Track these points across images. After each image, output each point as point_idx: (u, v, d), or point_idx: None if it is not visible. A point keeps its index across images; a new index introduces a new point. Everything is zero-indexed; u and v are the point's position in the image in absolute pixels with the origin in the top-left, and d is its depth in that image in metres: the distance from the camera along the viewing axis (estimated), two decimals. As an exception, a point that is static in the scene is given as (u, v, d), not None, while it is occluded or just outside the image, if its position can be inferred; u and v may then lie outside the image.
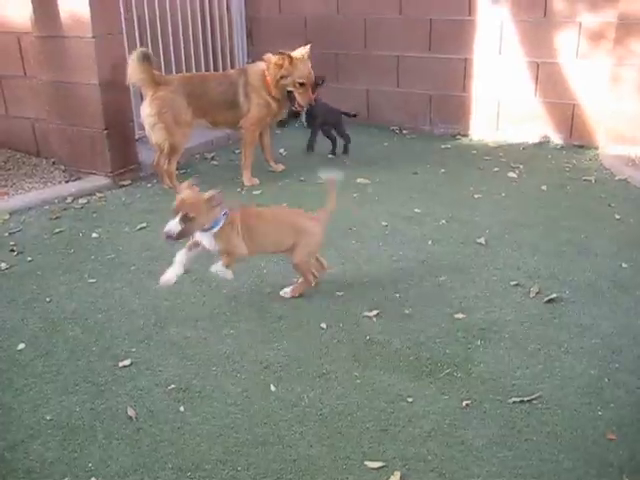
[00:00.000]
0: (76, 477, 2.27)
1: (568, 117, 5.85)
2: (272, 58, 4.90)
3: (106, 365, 2.87)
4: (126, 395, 2.67)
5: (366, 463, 2.28)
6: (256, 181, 5.05)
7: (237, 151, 5.77)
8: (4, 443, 2.43)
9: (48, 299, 3.41)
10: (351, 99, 6.66)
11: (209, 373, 2.78)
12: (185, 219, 2.91)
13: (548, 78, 5.81)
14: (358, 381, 2.70)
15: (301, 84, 4.89)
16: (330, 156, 5.62)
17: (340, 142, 5.68)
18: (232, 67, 6.80)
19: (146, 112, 4.79)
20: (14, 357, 2.94)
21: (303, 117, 5.47)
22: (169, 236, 2.93)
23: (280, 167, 5.36)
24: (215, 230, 3.07)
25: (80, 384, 2.75)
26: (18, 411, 2.60)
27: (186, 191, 3.03)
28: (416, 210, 4.45)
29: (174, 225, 2.91)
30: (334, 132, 5.66)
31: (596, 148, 5.72)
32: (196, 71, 6.29)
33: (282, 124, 5.64)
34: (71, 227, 4.32)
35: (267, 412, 2.54)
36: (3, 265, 3.77)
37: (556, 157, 5.61)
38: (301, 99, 4.95)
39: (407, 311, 3.21)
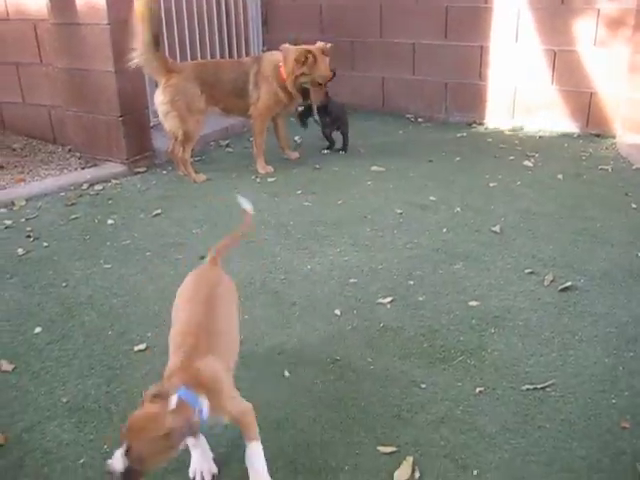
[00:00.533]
0: (92, 458, 2.30)
1: (585, 105, 5.80)
2: (290, 50, 4.87)
3: (121, 349, 2.90)
4: (141, 379, 2.69)
5: (379, 448, 2.29)
6: (270, 169, 5.05)
7: (252, 139, 5.77)
8: (22, 424, 2.46)
9: (64, 284, 3.44)
10: (366, 87, 6.65)
11: (223, 358, 2.80)
12: (132, 455, 1.80)
13: (565, 66, 5.76)
14: (372, 367, 2.71)
15: (319, 83, 4.89)
16: (325, 151, 5.52)
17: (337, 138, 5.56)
18: (247, 54, 6.81)
19: (159, 100, 4.80)
20: (31, 341, 2.98)
21: (315, 114, 5.33)
22: (109, 473, 1.83)
23: (295, 155, 5.35)
24: (206, 417, 1.95)
25: (96, 367, 2.78)
26: (35, 394, 2.63)
27: (147, 406, 1.86)
28: (431, 198, 4.44)
29: (117, 460, 1.81)
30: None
31: (613, 137, 5.67)
32: (211, 58, 6.29)
33: (302, 122, 5.45)
34: (87, 213, 4.35)
35: (281, 397, 2.56)
36: (20, 251, 3.80)
37: (572, 146, 5.57)
38: (315, 97, 4.97)
39: (421, 298, 3.21)
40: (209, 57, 6.30)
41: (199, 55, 6.17)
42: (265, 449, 2.29)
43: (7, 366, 2.79)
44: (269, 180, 4.87)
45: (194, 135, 4.92)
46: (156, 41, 4.57)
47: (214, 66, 5.13)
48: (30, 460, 2.30)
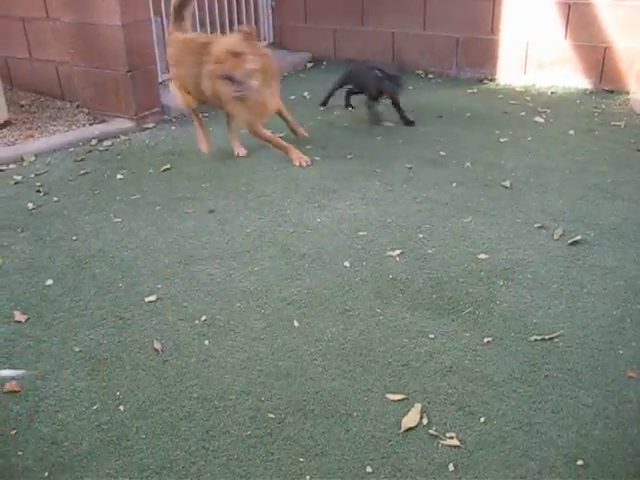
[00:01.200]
0: (105, 404, 2.34)
1: (599, 61, 5.70)
2: None
3: (132, 300, 2.92)
4: (152, 329, 2.73)
5: (387, 396, 2.32)
6: (307, 160, 4.29)
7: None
8: (36, 372, 2.51)
9: (75, 237, 3.46)
10: (376, 42, 6.56)
11: (233, 309, 2.83)
12: None
13: (579, 20, 5.65)
14: (380, 318, 2.73)
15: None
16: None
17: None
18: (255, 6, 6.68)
19: None
20: (43, 292, 3.01)
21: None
22: None
23: (305, 133, 4.78)
24: None
25: (107, 318, 2.81)
26: (48, 343, 2.67)
27: None
28: (441, 153, 4.41)
29: None
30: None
31: (627, 93, 5.58)
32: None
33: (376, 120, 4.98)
34: (96, 169, 4.35)
35: (290, 346, 2.59)
36: (30, 205, 3.82)
37: (585, 102, 5.49)
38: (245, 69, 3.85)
39: (430, 251, 3.21)
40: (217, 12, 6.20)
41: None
42: (275, 396, 2.34)
43: (20, 317, 2.83)
44: (280, 135, 4.82)
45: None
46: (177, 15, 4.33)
47: (180, 47, 4.33)
48: (45, 406, 2.35)
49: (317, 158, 4.36)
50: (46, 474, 2.09)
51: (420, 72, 6.41)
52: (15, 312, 2.86)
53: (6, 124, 5.00)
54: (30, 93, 5.61)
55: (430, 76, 6.36)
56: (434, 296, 2.87)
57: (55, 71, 5.46)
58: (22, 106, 5.41)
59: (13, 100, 5.45)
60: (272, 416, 2.25)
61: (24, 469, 2.11)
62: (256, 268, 3.11)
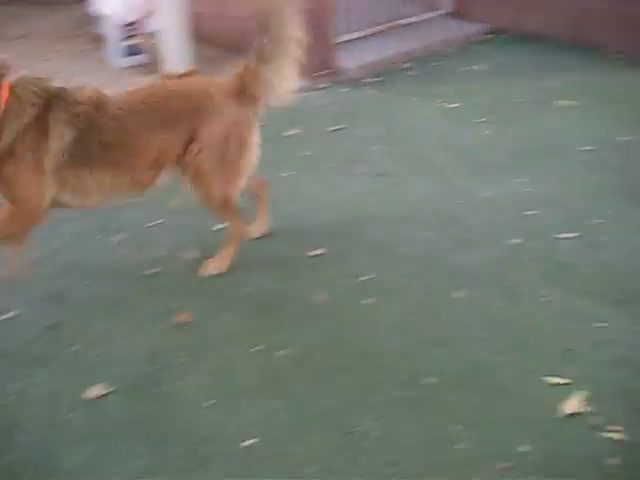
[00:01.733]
0: (269, 345, 2.45)
1: None
2: None
3: (297, 252, 3.02)
4: (314, 282, 2.81)
5: (548, 378, 2.25)
6: None
7: (434, 63, 5.63)
8: (205, 309, 2.66)
9: (244, 189, 3.60)
10: (562, 15, 6.19)
11: (397, 271, 2.85)
12: None
13: None
14: (547, 299, 2.64)
15: None
16: None
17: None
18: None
19: None
20: (214, 234, 3.16)
21: None
22: None
23: None
24: None
25: (272, 267, 2.93)
26: (218, 282, 2.83)
27: None
28: (625, 138, 4.10)
29: None
30: None
31: None
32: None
33: None
34: (266, 123, 4.44)
35: (451, 315, 2.57)
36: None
37: None
38: None
39: (604, 238, 3.04)
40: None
41: None
42: (431, 363, 2.33)
43: (195, 253, 3.02)
44: (450, 106, 4.71)
45: None
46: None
47: None
48: (211, 342, 2.50)
49: (488, 132, 4.22)
50: (205, 405, 2.23)
51: (609, 50, 5.98)
52: (190, 249, 3.05)
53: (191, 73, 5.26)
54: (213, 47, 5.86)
55: (620, 55, 5.92)
56: (605, 284, 2.72)
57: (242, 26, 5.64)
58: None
59: (199, 53, 5.70)
60: (427, 381, 2.26)
61: (185, 399, 2.26)
62: (420, 234, 3.10)
